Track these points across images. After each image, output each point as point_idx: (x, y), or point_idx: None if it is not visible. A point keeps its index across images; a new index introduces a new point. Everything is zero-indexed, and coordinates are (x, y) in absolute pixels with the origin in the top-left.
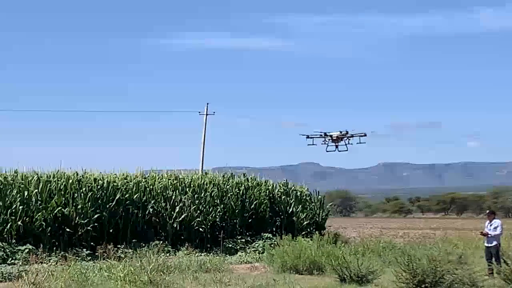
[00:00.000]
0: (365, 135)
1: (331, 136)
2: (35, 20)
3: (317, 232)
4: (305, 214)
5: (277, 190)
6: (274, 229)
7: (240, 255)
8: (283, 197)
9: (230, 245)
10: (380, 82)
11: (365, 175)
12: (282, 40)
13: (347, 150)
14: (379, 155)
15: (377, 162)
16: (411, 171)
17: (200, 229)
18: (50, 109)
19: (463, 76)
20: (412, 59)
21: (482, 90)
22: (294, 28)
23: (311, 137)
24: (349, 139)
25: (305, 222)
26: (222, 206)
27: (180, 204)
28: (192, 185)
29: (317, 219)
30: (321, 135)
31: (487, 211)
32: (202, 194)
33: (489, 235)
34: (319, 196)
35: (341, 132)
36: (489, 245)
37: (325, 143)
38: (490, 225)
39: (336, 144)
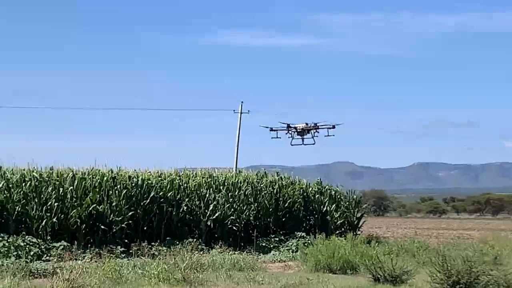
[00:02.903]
0: (334, 127)
1: (295, 128)
2: (79, 14)
3: (351, 231)
4: (339, 213)
5: (311, 189)
6: (308, 228)
7: (273, 254)
8: (317, 196)
9: (263, 244)
10: (416, 81)
11: (400, 175)
12: (317, 38)
13: (314, 143)
14: (415, 154)
15: (413, 162)
16: (447, 172)
17: (234, 228)
18: (86, 107)
19: (501, 75)
20: (449, 57)
21: None
22: (328, 27)
23: (274, 130)
24: (316, 131)
25: (339, 221)
26: (256, 204)
27: (214, 202)
28: (226, 183)
29: (351, 218)
30: (284, 127)
31: None
32: (236, 193)
33: None
34: (354, 196)
35: (307, 124)
36: None
37: (291, 136)
38: None
39: (302, 137)
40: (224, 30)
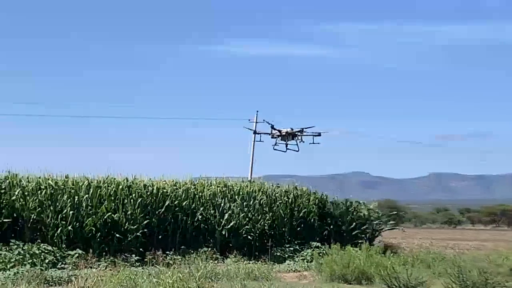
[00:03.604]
0: (319, 134)
1: (279, 131)
2: (88, 26)
3: (366, 241)
4: (354, 223)
5: (326, 198)
6: (323, 238)
7: (288, 264)
8: (332, 206)
9: (278, 253)
10: (428, 91)
11: (415, 186)
12: (328, 48)
13: (298, 151)
14: (429, 165)
15: (427, 173)
16: (460, 182)
17: (249, 237)
18: (101, 115)
19: None
20: (461, 68)
21: None
22: (340, 36)
23: (258, 133)
24: (301, 138)
25: (354, 232)
26: (270, 214)
27: (229, 212)
28: (241, 193)
29: (366, 229)
30: (272, 128)
31: None
32: (251, 202)
33: None
34: (369, 206)
35: (292, 129)
36: None
37: (275, 142)
38: None
39: (286, 142)
40: (236, 40)
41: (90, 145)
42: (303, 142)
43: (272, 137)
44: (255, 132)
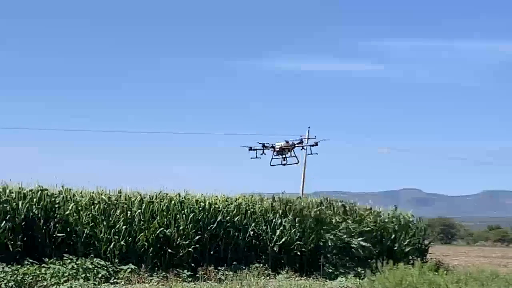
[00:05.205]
0: (317, 144)
1: (273, 147)
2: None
3: (419, 258)
4: (407, 240)
5: (378, 214)
6: (375, 254)
7: (340, 280)
8: (387, 223)
9: (330, 270)
10: (479, 108)
11: (468, 203)
12: (378, 64)
13: (297, 163)
14: (482, 182)
15: (481, 190)
16: None
17: (299, 253)
18: (153, 131)
19: None
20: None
21: None
22: (390, 53)
23: (254, 149)
24: (302, 147)
25: (407, 249)
26: (322, 230)
27: (281, 228)
28: (292, 209)
29: (419, 245)
30: (263, 146)
31: None
32: (303, 218)
33: None
34: (422, 223)
35: (287, 142)
36: None
37: (271, 157)
38: None
39: (284, 156)
40: (284, 55)
41: (141, 160)
42: (305, 149)
43: (263, 153)
44: (250, 149)
